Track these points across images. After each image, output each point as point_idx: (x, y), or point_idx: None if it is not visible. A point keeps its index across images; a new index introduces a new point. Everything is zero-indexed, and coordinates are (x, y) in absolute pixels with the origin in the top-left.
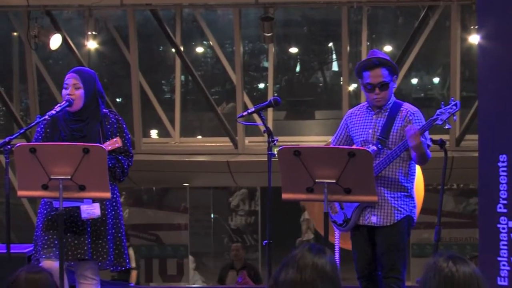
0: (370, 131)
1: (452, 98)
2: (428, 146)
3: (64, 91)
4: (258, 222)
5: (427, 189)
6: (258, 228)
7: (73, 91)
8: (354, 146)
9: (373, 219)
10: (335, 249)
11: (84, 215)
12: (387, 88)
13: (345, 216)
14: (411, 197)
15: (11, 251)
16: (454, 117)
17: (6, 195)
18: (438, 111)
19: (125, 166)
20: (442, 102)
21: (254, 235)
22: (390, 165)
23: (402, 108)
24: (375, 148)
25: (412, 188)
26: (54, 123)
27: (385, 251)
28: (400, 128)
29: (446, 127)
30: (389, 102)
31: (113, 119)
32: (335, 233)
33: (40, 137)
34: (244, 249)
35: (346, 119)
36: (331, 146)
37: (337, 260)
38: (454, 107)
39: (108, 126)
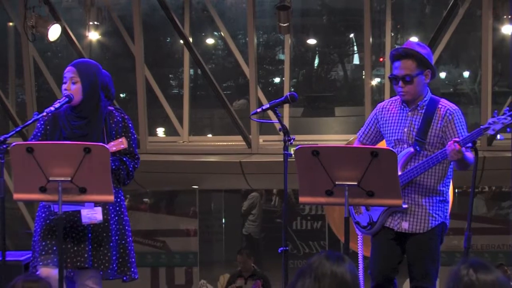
0: (405, 129)
1: (508, 108)
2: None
3: (63, 86)
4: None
5: (456, 192)
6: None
7: (69, 86)
8: (380, 144)
9: (405, 225)
10: (359, 256)
11: (84, 220)
12: (413, 82)
13: (370, 219)
14: (446, 202)
15: (7, 258)
16: (508, 129)
17: (0, 198)
18: (490, 120)
19: (130, 169)
20: (496, 111)
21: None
22: None
23: (439, 106)
24: (412, 149)
25: (448, 192)
26: (55, 120)
27: (417, 260)
28: (439, 129)
29: (498, 138)
30: (425, 99)
31: (118, 118)
32: (358, 238)
33: (39, 134)
34: (250, 257)
35: (377, 113)
36: (357, 143)
37: (360, 269)
38: (510, 118)
39: (113, 125)
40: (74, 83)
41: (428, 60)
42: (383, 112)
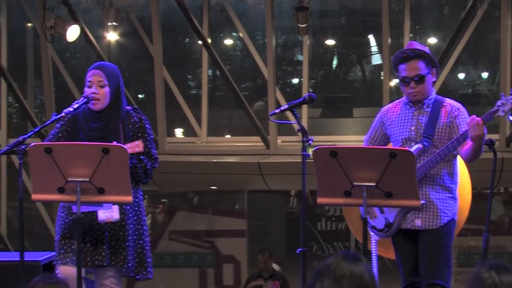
0: (413, 128)
1: None
2: None
3: (87, 90)
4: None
5: (472, 193)
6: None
7: (98, 89)
8: (390, 145)
9: (418, 222)
10: (372, 257)
11: (101, 218)
12: (424, 81)
13: (387, 221)
14: (455, 199)
15: (25, 259)
16: None
17: (19, 199)
18: (498, 102)
19: (148, 167)
20: (502, 93)
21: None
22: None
23: (445, 104)
24: (420, 146)
25: (456, 189)
26: (74, 122)
27: (430, 256)
28: (445, 125)
29: (510, 119)
30: (430, 97)
31: (135, 118)
32: (371, 240)
33: (59, 134)
34: (272, 258)
35: (382, 116)
36: (368, 146)
37: (374, 270)
38: None
39: (130, 126)
40: (101, 87)
41: (434, 59)
42: (388, 114)
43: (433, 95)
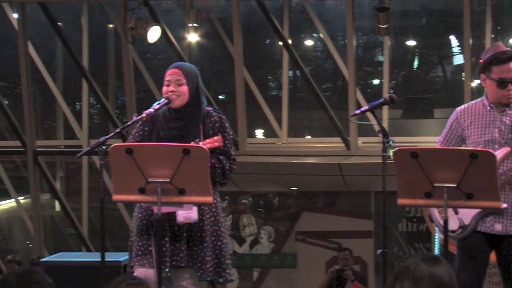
0: (496, 130)
1: None
2: None
3: (165, 88)
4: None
5: None
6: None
7: (176, 87)
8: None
9: (498, 227)
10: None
11: (180, 219)
12: None
13: (461, 222)
14: None
15: (106, 259)
16: None
17: (100, 199)
18: None
19: (226, 168)
20: None
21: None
22: None
23: None
24: (509, 148)
25: None
26: (154, 121)
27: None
28: None
29: None
30: None
31: (215, 118)
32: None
33: (137, 135)
34: (352, 256)
35: (458, 117)
36: (450, 147)
37: None
38: None
39: (210, 125)
40: (179, 85)
41: None
42: (466, 115)
43: None
